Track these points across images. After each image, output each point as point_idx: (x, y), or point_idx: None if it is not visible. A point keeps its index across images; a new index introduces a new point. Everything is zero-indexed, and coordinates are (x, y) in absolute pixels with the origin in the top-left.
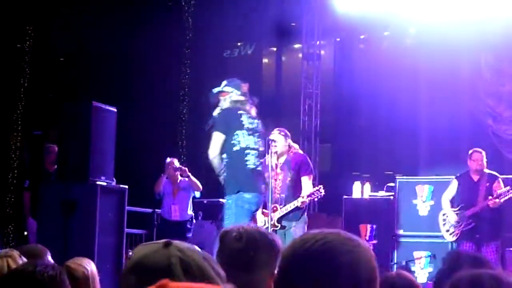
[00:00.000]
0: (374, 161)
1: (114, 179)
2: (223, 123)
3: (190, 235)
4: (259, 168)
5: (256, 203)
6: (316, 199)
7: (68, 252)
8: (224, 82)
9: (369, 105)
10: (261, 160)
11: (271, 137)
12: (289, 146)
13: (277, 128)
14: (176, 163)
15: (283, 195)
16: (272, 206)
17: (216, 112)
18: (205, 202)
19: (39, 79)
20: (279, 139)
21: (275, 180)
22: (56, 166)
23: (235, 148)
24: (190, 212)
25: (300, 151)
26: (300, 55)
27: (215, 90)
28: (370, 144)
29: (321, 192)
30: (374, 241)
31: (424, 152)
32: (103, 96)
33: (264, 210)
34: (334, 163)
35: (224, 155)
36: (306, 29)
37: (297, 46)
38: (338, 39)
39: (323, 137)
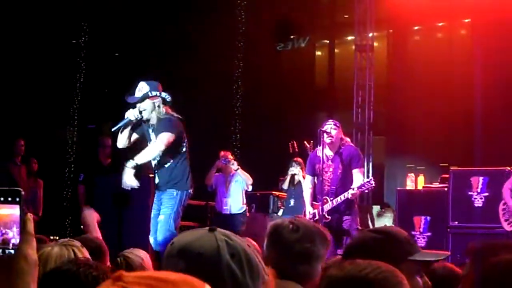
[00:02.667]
0: (428, 153)
1: None
2: (174, 126)
3: (243, 227)
4: None
5: (190, 196)
6: (367, 191)
7: (123, 243)
8: (146, 86)
9: (422, 96)
10: None
11: (325, 128)
12: (342, 139)
13: (331, 120)
14: (230, 156)
15: (334, 187)
16: (323, 198)
17: (133, 116)
18: (258, 194)
19: (94, 74)
20: (333, 132)
21: (326, 172)
22: (110, 159)
23: (183, 150)
24: (242, 204)
25: (352, 144)
26: (353, 47)
27: (145, 92)
28: (424, 135)
29: (372, 184)
30: (428, 233)
31: (479, 143)
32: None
33: (314, 202)
34: (387, 155)
35: (169, 157)
36: (359, 21)
37: (350, 38)
38: (391, 31)
39: (377, 129)
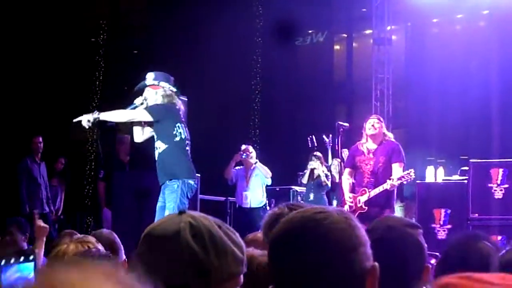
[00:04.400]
0: (448, 146)
1: None
2: (158, 110)
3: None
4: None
5: (195, 189)
6: (405, 182)
7: None
8: (152, 75)
9: (441, 89)
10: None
11: (370, 121)
12: (384, 134)
13: (375, 115)
14: (251, 149)
15: (373, 179)
16: (361, 189)
17: (138, 101)
18: (277, 189)
19: (113, 71)
20: (376, 125)
21: (366, 164)
22: (129, 156)
23: (176, 139)
24: (263, 198)
25: (394, 140)
26: (371, 40)
27: (149, 81)
28: (443, 128)
29: (411, 176)
30: (449, 226)
31: (499, 135)
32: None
33: (352, 193)
34: (407, 149)
35: (162, 144)
36: (376, 14)
37: (368, 32)
38: (409, 24)
39: (396, 123)
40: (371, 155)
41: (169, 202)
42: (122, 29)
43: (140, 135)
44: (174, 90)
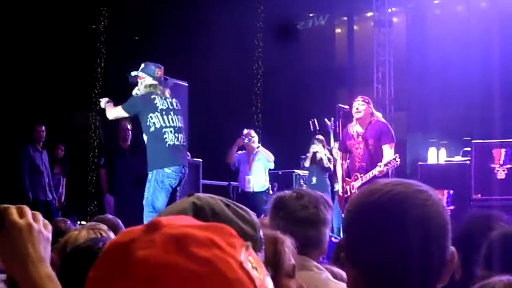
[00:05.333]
0: (450, 127)
1: (189, 153)
2: (136, 108)
3: (266, 206)
4: (177, 143)
5: (177, 176)
6: (392, 168)
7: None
8: (142, 66)
9: (443, 70)
10: (181, 135)
11: (355, 104)
12: (372, 114)
13: (360, 96)
14: (253, 134)
15: (364, 164)
16: (353, 174)
17: (134, 92)
18: (280, 173)
19: (114, 58)
20: (361, 107)
21: (356, 149)
22: (129, 142)
23: (151, 129)
24: (265, 183)
25: (382, 119)
26: (372, 23)
27: (133, 73)
28: (445, 109)
29: (397, 161)
30: (452, 207)
31: (501, 116)
32: (175, 71)
33: (347, 178)
34: (409, 130)
35: (144, 136)
36: None
37: (369, 14)
38: (410, 6)
39: (398, 105)
40: (360, 138)
41: (146, 192)
42: (123, 16)
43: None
44: (155, 82)
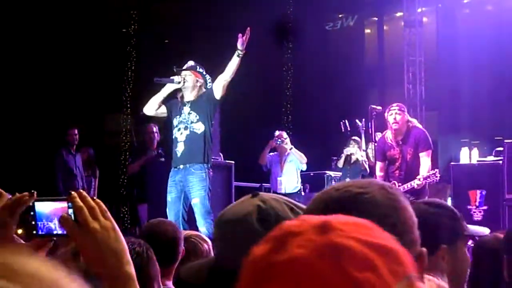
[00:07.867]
0: (482, 127)
1: (221, 155)
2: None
3: None
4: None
5: (176, 175)
6: (431, 183)
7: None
8: (192, 63)
9: (473, 69)
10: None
11: (391, 113)
12: (408, 121)
13: (396, 104)
14: (285, 135)
15: (402, 173)
16: (391, 182)
17: (177, 79)
18: (311, 174)
19: (145, 62)
20: (398, 117)
21: (395, 158)
22: (156, 145)
23: (213, 122)
24: (297, 184)
25: (419, 125)
26: (402, 23)
27: (195, 67)
28: (477, 109)
29: (436, 177)
30: (485, 207)
31: None
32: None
33: None
34: (440, 130)
35: (203, 125)
36: None
37: (398, 14)
38: (440, 5)
39: (429, 105)
40: (398, 148)
41: (199, 191)
42: (153, 19)
43: (151, 108)
44: (209, 81)
